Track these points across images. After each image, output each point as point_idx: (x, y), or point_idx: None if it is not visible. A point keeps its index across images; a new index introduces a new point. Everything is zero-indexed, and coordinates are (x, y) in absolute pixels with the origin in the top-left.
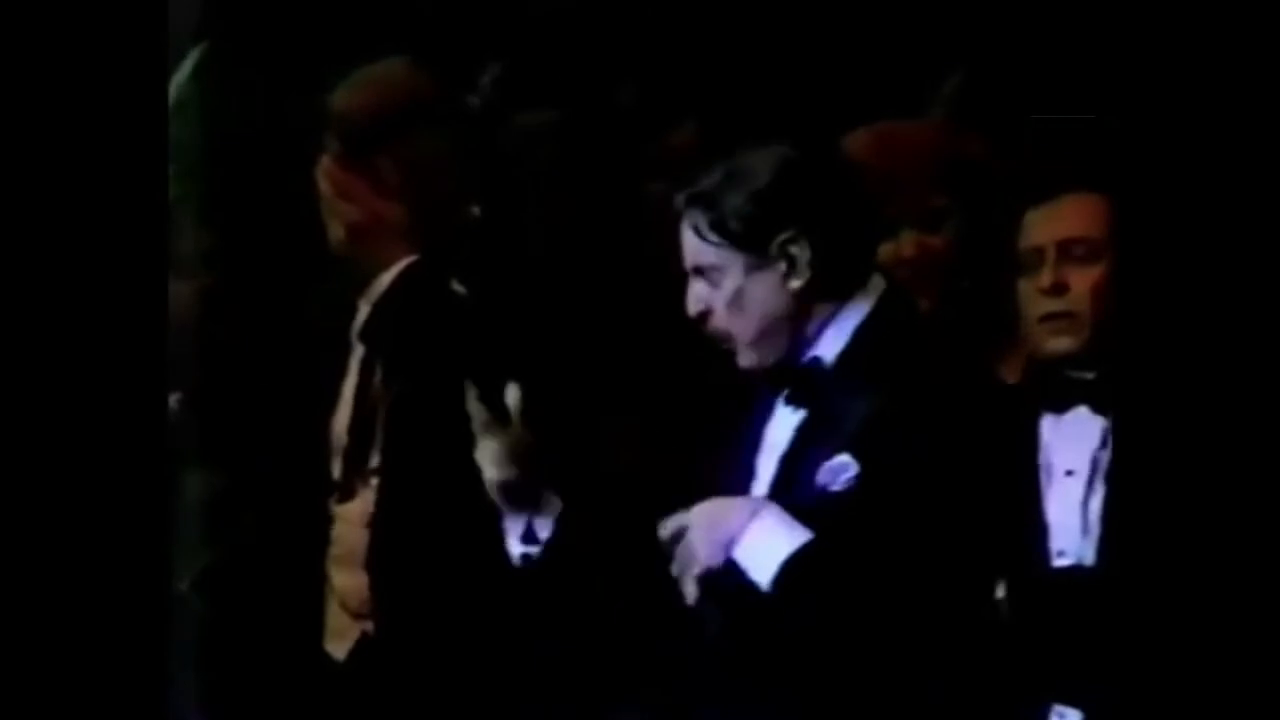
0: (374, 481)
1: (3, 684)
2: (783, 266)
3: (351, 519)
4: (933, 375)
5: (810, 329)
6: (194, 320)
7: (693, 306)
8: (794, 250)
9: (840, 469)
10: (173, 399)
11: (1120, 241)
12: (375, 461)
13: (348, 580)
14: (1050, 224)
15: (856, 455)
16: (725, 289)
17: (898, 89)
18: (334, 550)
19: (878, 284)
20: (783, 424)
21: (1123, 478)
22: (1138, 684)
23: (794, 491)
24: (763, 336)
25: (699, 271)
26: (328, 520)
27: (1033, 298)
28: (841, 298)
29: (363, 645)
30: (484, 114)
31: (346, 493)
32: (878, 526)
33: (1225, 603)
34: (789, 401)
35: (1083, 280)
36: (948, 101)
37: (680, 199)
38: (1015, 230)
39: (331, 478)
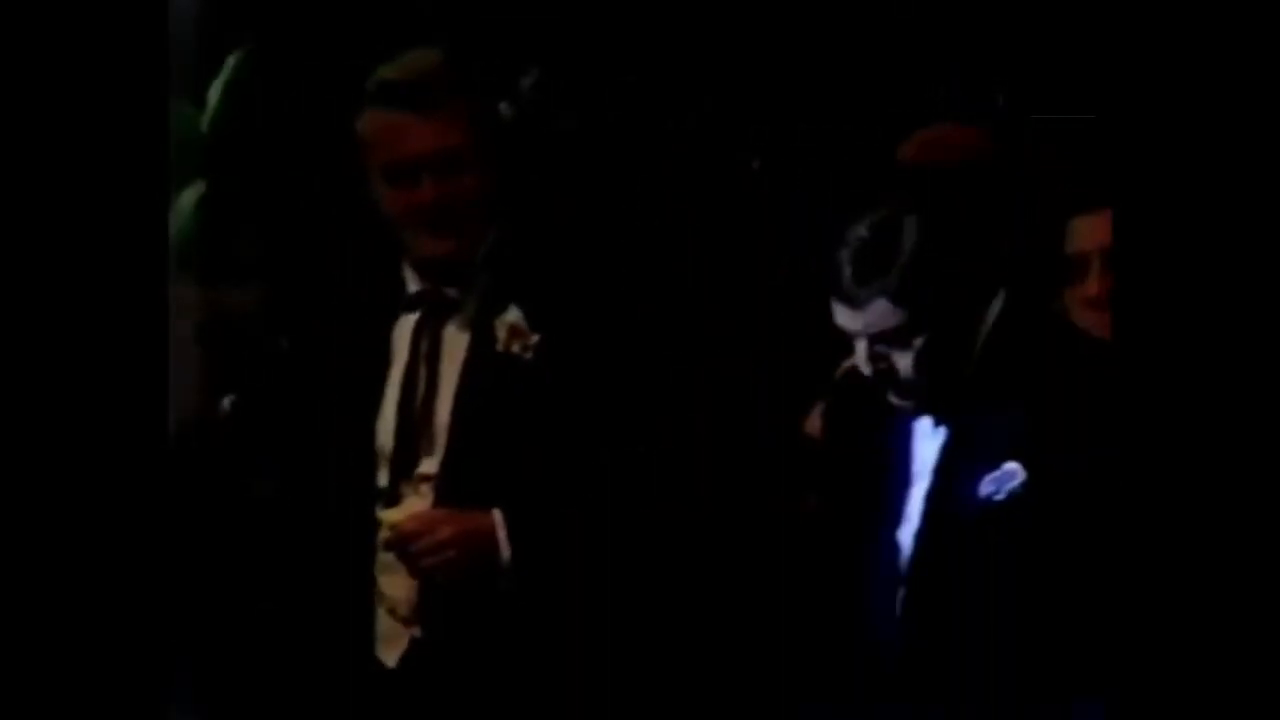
0: (423, 488)
1: (15, 684)
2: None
3: None
4: (1079, 375)
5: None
6: (241, 326)
7: (870, 366)
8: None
9: (1006, 477)
10: (226, 401)
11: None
12: (424, 468)
13: (397, 587)
14: (1096, 231)
15: (1022, 460)
16: (915, 345)
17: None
18: (382, 557)
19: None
20: (929, 442)
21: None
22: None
23: (951, 505)
24: (938, 369)
25: (879, 336)
26: (374, 527)
27: (1078, 307)
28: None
29: (413, 651)
30: (521, 119)
31: (393, 499)
32: (1052, 531)
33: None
34: (932, 415)
35: None
36: (998, 114)
37: (848, 273)
38: (1062, 237)
39: (378, 485)
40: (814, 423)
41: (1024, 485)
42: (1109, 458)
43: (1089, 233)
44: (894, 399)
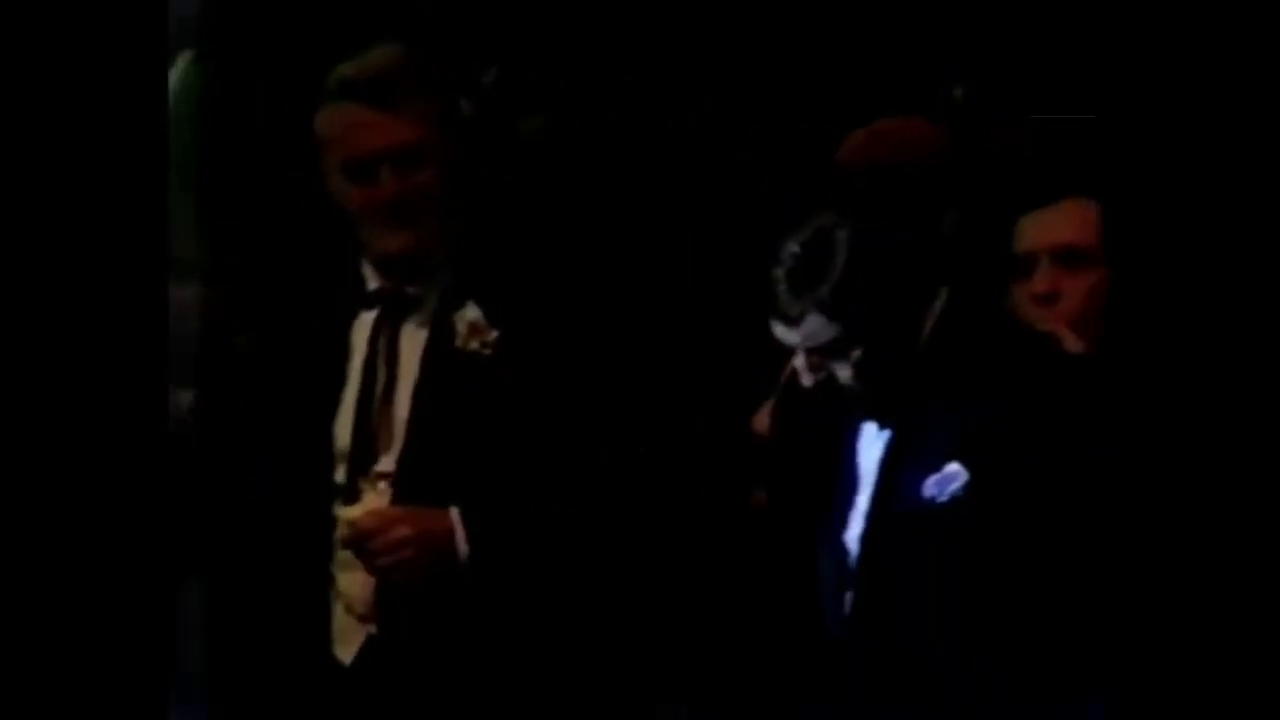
0: (381, 486)
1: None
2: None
3: None
4: (1018, 374)
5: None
6: (196, 325)
7: (811, 378)
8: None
9: (948, 479)
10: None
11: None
12: (382, 465)
13: (354, 584)
14: (1044, 229)
15: (964, 462)
16: (852, 357)
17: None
18: (340, 554)
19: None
20: (872, 440)
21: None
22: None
23: (895, 507)
24: (879, 372)
25: (814, 350)
26: (332, 524)
27: (1027, 304)
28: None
29: (370, 648)
30: (481, 116)
31: (351, 497)
32: (996, 529)
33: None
34: (877, 416)
35: (1076, 287)
36: (955, 109)
37: (787, 298)
38: (1011, 234)
39: (336, 482)
40: (763, 421)
41: (965, 487)
42: (1057, 456)
43: (1037, 231)
44: (839, 404)
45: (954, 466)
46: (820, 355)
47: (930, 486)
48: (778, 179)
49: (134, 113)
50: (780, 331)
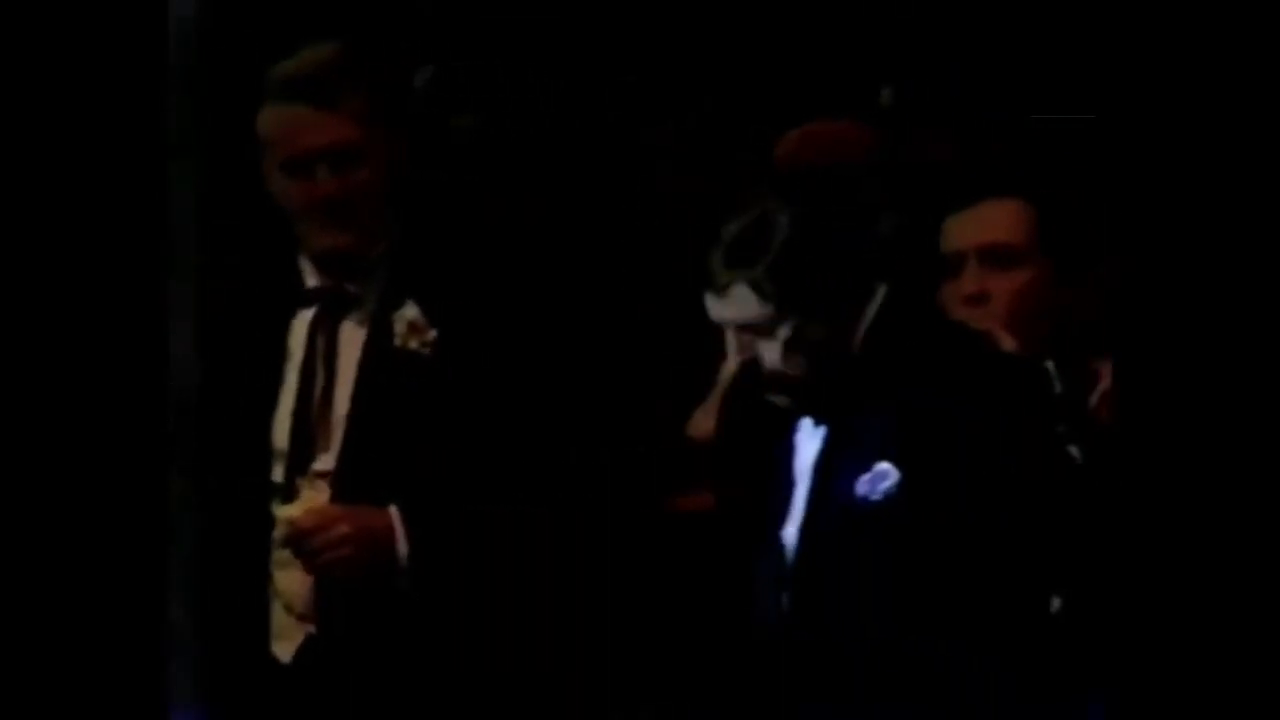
0: (320, 484)
1: None
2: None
3: None
4: (968, 371)
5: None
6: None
7: (738, 355)
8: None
9: (879, 477)
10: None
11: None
12: (320, 464)
13: (292, 583)
14: (971, 229)
15: (895, 461)
16: (779, 336)
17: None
18: (278, 553)
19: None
20: (809, 439)
21: None
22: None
23: (830, 505)
24: (812, 367)
25: (746, 328)
26: (271, 523)
27: (955, 304)
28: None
29: (308, 647)
30: (418, 115)
31: (290, 495)
32: (928, 529)
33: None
34: (812, 414)
35: (1004, 288)
36: (884, 109)
37: (718, 259)
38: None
39: (274, 480)
40: (697, 424)
41: (898, 485)
42: (990, 456)
43: (964, 231)
44: (768, 393)
45: (885, 465)
46: (750, 334)
47: (862, 485)
48: (712, 176)
49: (134, 112)
50: (711, 305)
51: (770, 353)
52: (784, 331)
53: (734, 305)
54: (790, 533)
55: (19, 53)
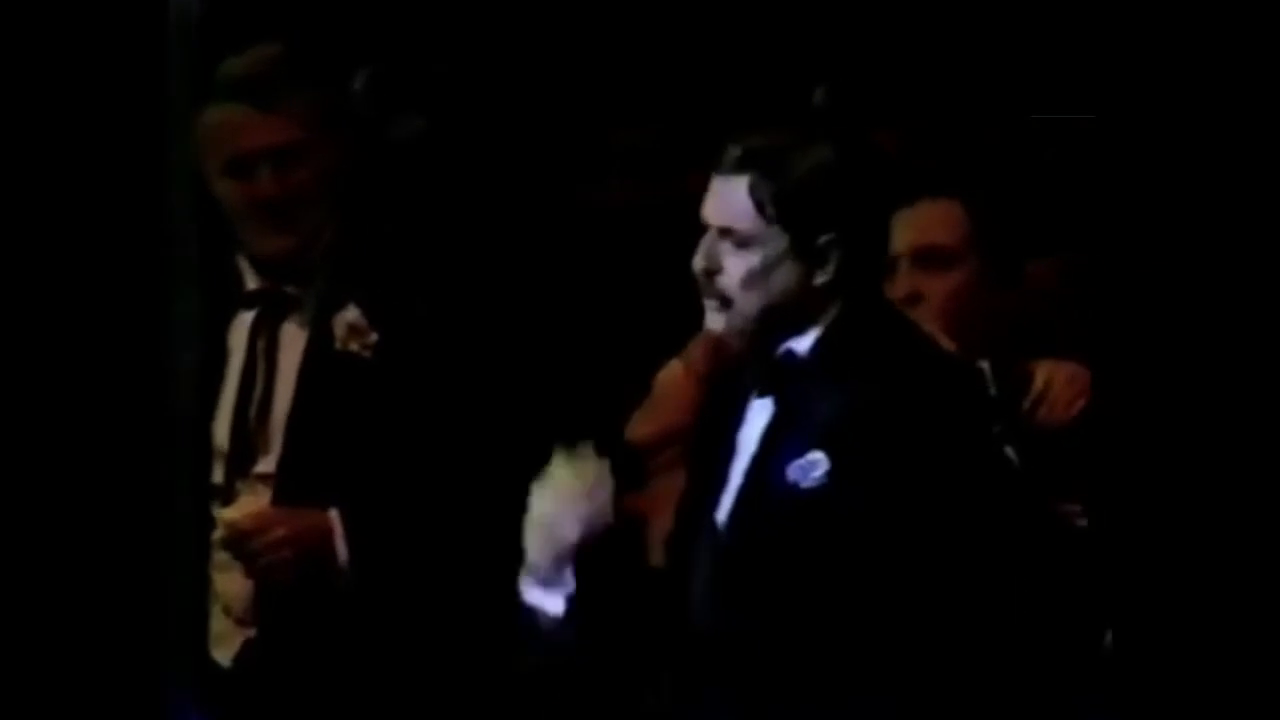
0: (260, 487)
1: None
2: (816, 260)
3: None
4: (904, 370)
5: (796, 319)
6: None
7: (703, 261)
8: (834, 251)
9: (810, 466)
10: None
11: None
12: (261, 466)
13: (232, 586)
14: (904, 232)
15: (827, 451)
16: (751, 260)
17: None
18: (218, 556)
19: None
20: (754, 421)
21: None
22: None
23: (765, 490)
24: (764, 316)
25: (727, 231)
26: (211, 525)
27: None
28: (836, 296)
29: (248, 650)
30: (359, 117)
31: (229, 498)
32: (849, 523)
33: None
34: (760, 394)
35: (938, 289)
36: (819, 111)
37: (736, 151)
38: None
39: (214, 483)
40: (635, 428)
41: (827, 475)
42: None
43: (897, 233)
44: (710, 308)
45: (817, 454)
46: (726, 240)
47: (794, 470)
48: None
49: (133, 115)
50: (709, 195)
51: (733, 270)
52: (754, 257)
53: (725, 196)
54: (722, 516)
55: (18, 53)
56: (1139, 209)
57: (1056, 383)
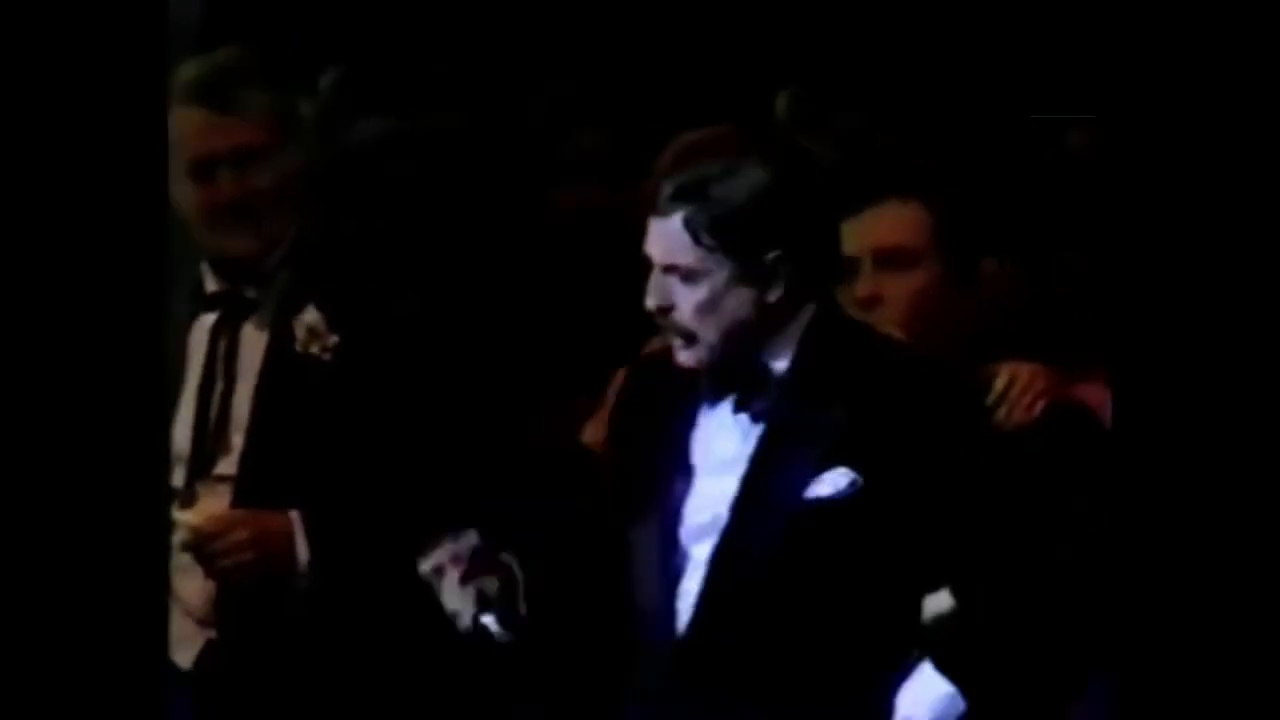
0: (220, 489)
1: None
2: (765, 279)
3: None
4: (907, 375)
5: (761, 338)
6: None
7: (655, 300)
8: (782, 267)
9: (838, 479)
10: None
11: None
12: (221, 468)
13: (193, 588)
14: (866, 233)
15: (850, 464)
16: (700, 292)
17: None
18: (178, 558)
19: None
20: (734, 436)
21: None
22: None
23: (769, 505)
24: (725, 340)
25: (671, 268)
26: (170, 528)
27: (849, 308)
28: (796, 309)
29: (208, 653)
30: (321, 119)
31: (190, 500)
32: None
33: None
34: (739, 409)
35: (899, 291)
36: (783, 116)
37: (668, 188)
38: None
39: (174, 485)
40: (592, 432)
41: (856, 488)
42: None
43: (859, 235)
44: (676, 345)
45: (842, 468)
46: (673, 275)
47: (818, 487)
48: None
49: (133, 112)
50: (650, 234)
51: (685, 303)
52: (703, 289)
53: (666, 236)
54: (696, 529)
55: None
56: (1139, 209)
57: (1018, 383)
